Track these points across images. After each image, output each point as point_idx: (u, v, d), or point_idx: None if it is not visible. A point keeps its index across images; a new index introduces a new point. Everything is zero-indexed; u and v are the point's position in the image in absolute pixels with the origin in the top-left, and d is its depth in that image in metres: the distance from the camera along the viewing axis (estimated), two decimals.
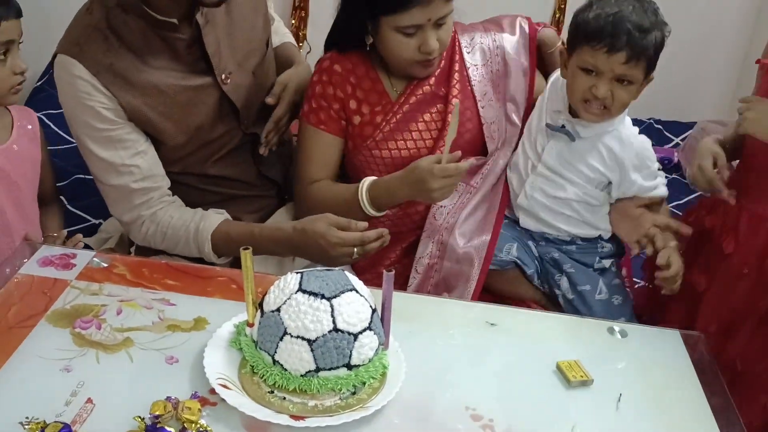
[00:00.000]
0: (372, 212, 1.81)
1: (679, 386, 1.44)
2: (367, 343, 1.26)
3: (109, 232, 2.14)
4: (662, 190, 1.88)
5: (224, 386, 1.25)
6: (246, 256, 1.28)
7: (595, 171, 1.84)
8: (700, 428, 1.35)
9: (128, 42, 1.72)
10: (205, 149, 1.90)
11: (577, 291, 1.89)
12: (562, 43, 1.95)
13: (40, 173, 1.87)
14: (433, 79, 1.91)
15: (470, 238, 1.86)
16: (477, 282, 1.82)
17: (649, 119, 3.37)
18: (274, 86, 1.99)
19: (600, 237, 1.93)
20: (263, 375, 1.26)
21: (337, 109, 1.89)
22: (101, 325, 1.41)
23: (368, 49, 1.86)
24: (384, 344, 1.32)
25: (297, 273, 1.30)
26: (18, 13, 1.68)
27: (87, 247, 1.91)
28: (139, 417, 1.19)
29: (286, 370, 1.25)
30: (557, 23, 3.37)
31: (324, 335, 1.22)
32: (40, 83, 3.17)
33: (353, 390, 1.28)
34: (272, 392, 1.26)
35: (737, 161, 1.85)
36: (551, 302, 1.95)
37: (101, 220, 2.35)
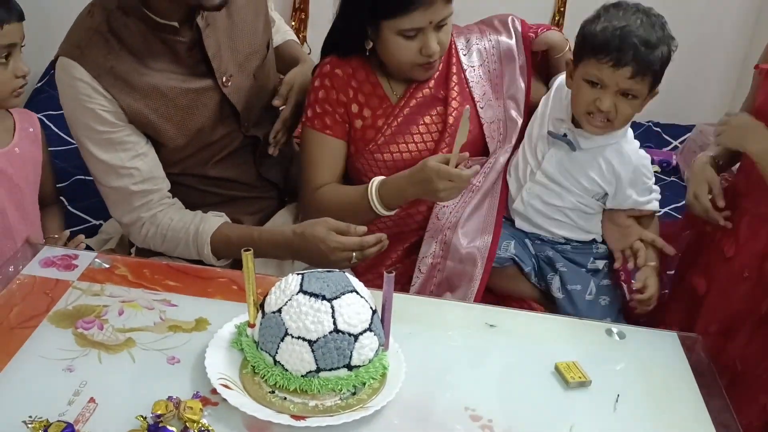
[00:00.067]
0: (382, 211, 1.81)
1: (677, 387, 1.45)
2: (368, 344, 1.27)
3: (110, 233, 2.15)
4: (654, 205, 1.91)
5: (225, 386, 1.26)
6: (247, 257, 1.29)
7: (592, 182, 1.85)
8: (697, 429, 1.36)
9: (129, 45, 1.72)
10: (206, 151, 1.91)
11: (566, 290, 1.90)
12: (569, 48, 1.96)
13: (41, 175, 1.88)
14: (433, 81, 1.92)
15: (473, 237, 1.87)
16: (480, 282, 1.83)
17: (648, 122, 3.39)
18: (281, 87, 1.99)
19: (594, 240, 1.94)
20: (264, 375, 1.27)
21: (341, 113, 1.90)
22: (103, 325, 1.42)
23: (368, 54, 1.87)
24: (384, 345, 1.33)
25: (298, 274, 1.31)
26: (20, 17, 1.68)
27: (88, 248, 1.91)
28: (142, 416, 1.20)
29: (287, 370, 1.25)
30: (556, 26, 3.38)
31: (325, 336, 1.23)
32: (40, 84, 3.18)
33: (353, 390, 1.29)
34: (273, 392, 1.27)
35: (737, 163, 1.86)
36: (548, 300, 1.96)
37: (102, 221, 2.36)
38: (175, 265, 1.66)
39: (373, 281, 1.73)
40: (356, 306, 1.27)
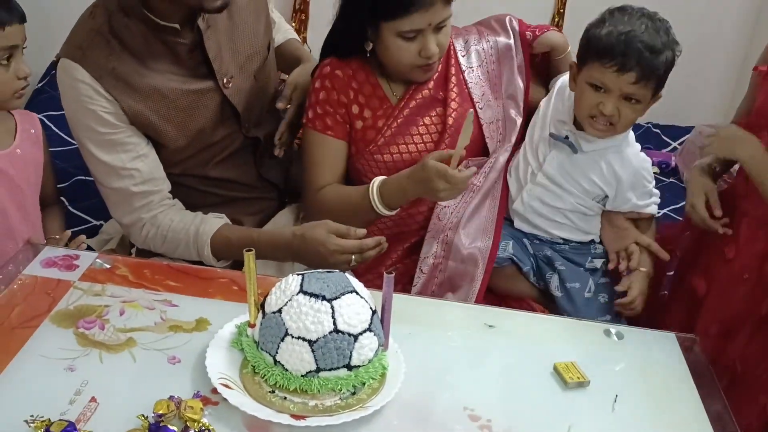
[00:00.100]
0: (384, 211, 1.82)
1: (675, 388, 1.45)
2: (367, 344, 1.28)
3: (110, 234, 2.15)
4: (653, 209, 1.92)
5: (226, 386, 1.27)
6: (249, 257, 1.30)
7: (593, 185, 1.86)
8: (695, 429, 1.36)
9: (130, 46, 1.73)
10: (206, 152, 1.91)
11: (565, 288, 1.91)
12: (570, 50, 1.96)
13: (42, 176, 1.88)
14: (432, 83, 1.93)
15: (474, 238, 1.88)
16: (481, 282, 1.84)
17: (647, 123, 3.39)
18: (285, 88, 2.00)
19: (592, 240, 1.95)
20: (264, 375, 1.28)
21: (342, 113, 1.90)
22: (104, 325, 1.42)
23: (368, 55, 1.87)
24: (384, 345, 1.34)
25: (298, 275, 1.32)
26: (22, 19, 1.68)
27: (89, 248, 1.92)
28: (143, 416, 1.20)
29: (287, 370, 1.26)
30: (556, 27, 3.38)
31: (324, 336, 1.24)
32: (41, 85, 3.19)
33: (353, 390, 1.29)
34: (273, 392, 1.28)
35: (737, 165, 1.87)
36: (548, 299, 1.97)
37: (102, 222, 2.36)
38: (176, 266, 1.66)
39: (373, 281, 1.73)
40: (356, 306, 1.27)
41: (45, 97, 3.05)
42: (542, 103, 1.93)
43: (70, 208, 2.49)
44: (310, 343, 1.24)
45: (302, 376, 1.26)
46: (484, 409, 1.33)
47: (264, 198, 2.08)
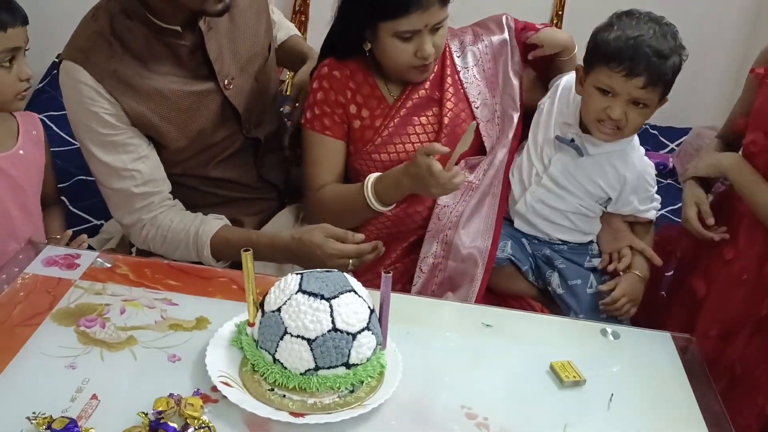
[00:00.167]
0: (378, 207, 1.83)
1: (670, 387, 1.47)
2: (365, 343, 1.29)
3: (111, 233, 2.16)
4: (652, 214, 1.93)
5: (226, 384, 1.28)
6: (247, 257, 1.30)
7: (597, 188, 1.86)
8: (690, 429, 1.38)
9: (132, 48, 1.74)
10: (207, 152, 1.92)
11: (567, 285, 1.92)
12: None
13: (43, 176, 1.89)
14: (428, 83, 1.94)
15: (474, 238, 1.89)
16: (481, 282, 1.85)
17: (644, 124, 3.39)
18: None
19: (591, 240, 1.96)
20: (264, 373, 1.29)
21: (340, 113, 1.92)
22: (105, 323, 1.43)
23: (366, 55, 1.89)
24: (382, 344, 1.35)
25: (297, 274, 1.33)
26: (24, 21, 1.68)
27: (90, 247, 1.93)
28: (143, 413, 1.21)
29: (286, 368, 1.27)
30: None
31: (323, 335, 1.25)
32: (41, 85, 3.20)
33: (351, 388, 1.30)
34: (272, 390, 1.29)
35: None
36: (547, 298, 1.98)
37: (103, 221, 2.37)
38: (176, 265, 1.67)
39: (371, 281, 1.74)
40: (354, 305, 1.28)
41: (46, 98, 3.06)
42: (544, 104, 1.93)
43: (70, 207, 2.50)
44: (309, 341, 1.25)
45: (301, 374, 1.27)
46: (481, 408, 1.34)
47: (264, 198, 2.09)
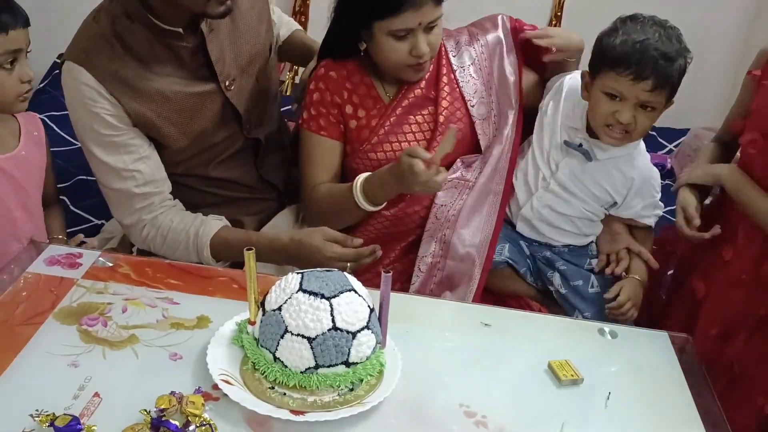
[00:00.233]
0: (366, 206, 1.84)
1: (667, 386, 1.47)
2: (365, 342, 1.29)
3: (112, 233, 2.17)
4: (651, 221, 1.94)
5: (226, 382, 1.29)
6: (249, 256, 1.31)
7: (604, 192, 1.87)
8: (686, 428, 1.38)
9: (134, 50, 1.74)
10: (208, 153, 1.93)
11: (570, 286, 1.93)
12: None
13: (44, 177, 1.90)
14: (424, 82, 1.96)
15: (472, 237, 1.90)
16: (479, 281, 1.86)
17: None
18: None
19: (591, 241, 1.97)
20: (264, 371, 1.30)
21: (335, 114, 1.93)
22: (107, 322, 1.44)
23: (361, 54, 1.90)
24: (381, 343, 1.35)
25: (298, 273, 1.34)
26: (26, 23, 1.68)
27: None
28: (145, 410, 1.21)
29: (286, 366, 1.28)
30: None
31: (323, 333, 1.26)
32: (42, 85, 3.21)
33: (351, 386, 1.31)
34: (273, 388, 1.30)
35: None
36: (546, 297, 1.99)
37: (104, 221, 2.38)
38: (177, 264, 1.68)
39: (371, 280, 1.76)
40: (354, 304, 1.29)
41: (47, 98, 3.07)
42: (548, 107, 1.93)
43: (72, 207, 2.51)
44: (309, 340, 1.26)
45: (301, 372, 1.27)
46: (479, 406, 1.35)
47: (264, 199, 2.10)
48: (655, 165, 3.06)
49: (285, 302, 1.28)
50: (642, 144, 1.88)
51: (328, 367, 1.27)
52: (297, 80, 3.15)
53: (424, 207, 1.95)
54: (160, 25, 1.73)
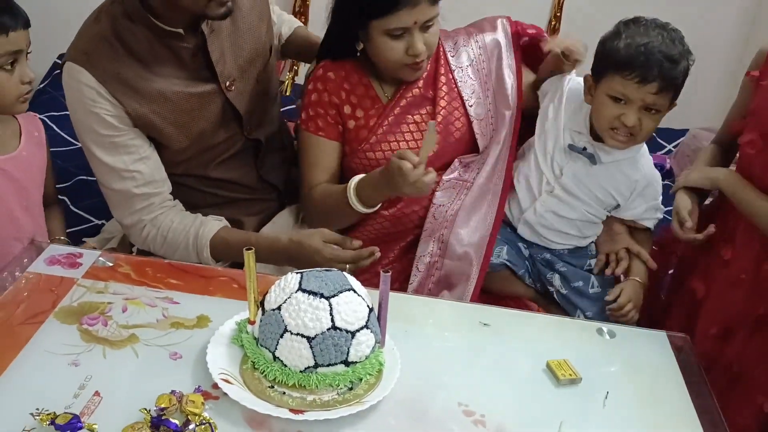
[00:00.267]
0: (359, 207, 1.84)
1: (665, 386, 1.48)
2: (364, 341, 1.30)
3: (112, 233, 2.17)
4: (650, 223, 1.94)
5: (226, 381, 1.29)
6: (249, 256, 1.32)
7: (608, 195, 1.88)
8: (684, 427, 1.39)
9: (134, 51, 1.75)
10: (208, 153, 1.94)
11: (571, 287, 1.94)
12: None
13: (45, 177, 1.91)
14: (422, 82, 1.96)
15: (470, 236, 1.90)
16: (477, 281, 1.86)
17: None
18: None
19: (591, 242, 1.98)
20: (264, 370, 1.30)
21: (333, 114, 1.93)
22: (107, 321, 1.45)
23: (359, 55, 1.91)
24: (380, 342, 1.36)
25: (297, 273, 1.34)
26: (26, 24, 1.68)
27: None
28: (145, 409, 1.22)
29: (285, 366, 1.28)
30: (553, 31, 3.40)
31: (323, 333, 1.26)
32: (42, 85, 3.20)
33: (350, 386, 1.32)
34: (272, 387, 1.30)
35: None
36: (544, 298, 2.00)
37: (104, 221, 2.39)
38: (177, 264, 1.68)
39: (370, 280, 1.75)
40: (353, 304, 1.30)
41: (47, 98, 3.07)
42: (548, 110, 1.92)
43: (72, 207, 2.51)
44: (309, 339, 1.26)
45: (301, 371, 1.28)
46: (478, 405, 1.36)
47: (264, 199, 2.10)
48: (655, 165, 3.09)
49: (284, 302, 1.29)
50: (645, 147, 1.89)
51: (328, 366, 1.28)
52: (297, 80, 3.16)
53: (423, 207, 1.96)
54: (161, 26, 1.73)
